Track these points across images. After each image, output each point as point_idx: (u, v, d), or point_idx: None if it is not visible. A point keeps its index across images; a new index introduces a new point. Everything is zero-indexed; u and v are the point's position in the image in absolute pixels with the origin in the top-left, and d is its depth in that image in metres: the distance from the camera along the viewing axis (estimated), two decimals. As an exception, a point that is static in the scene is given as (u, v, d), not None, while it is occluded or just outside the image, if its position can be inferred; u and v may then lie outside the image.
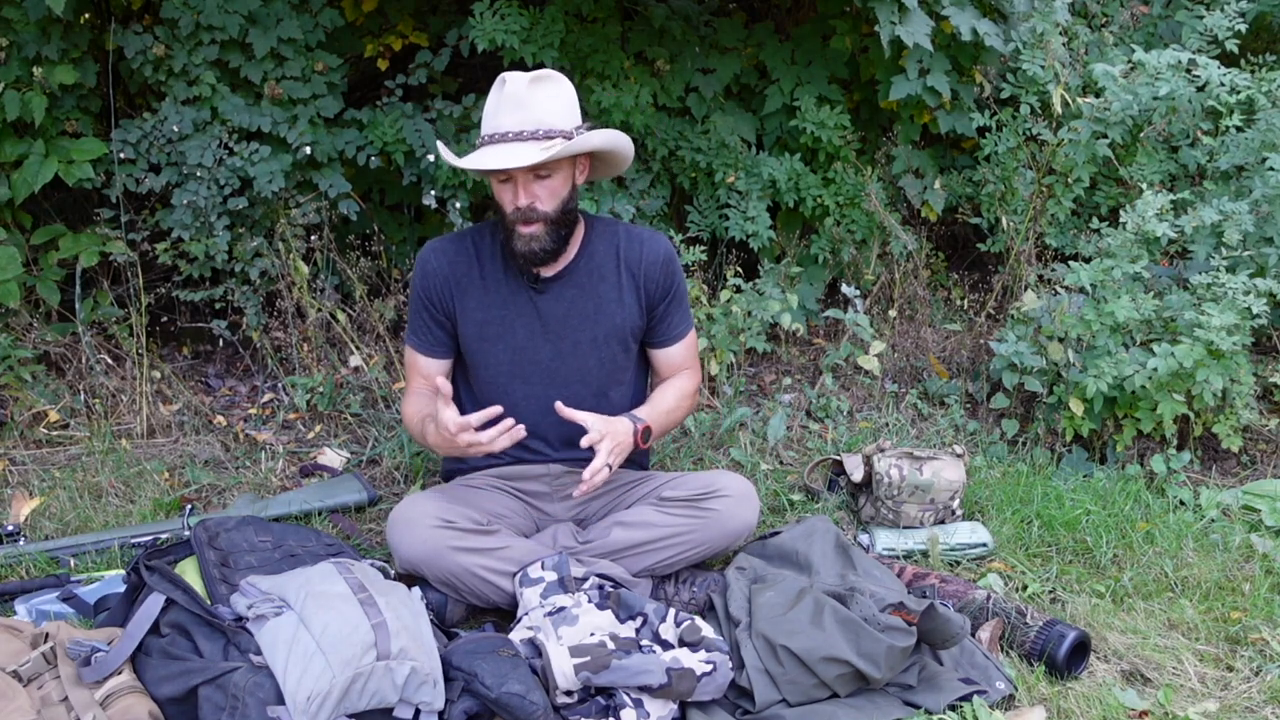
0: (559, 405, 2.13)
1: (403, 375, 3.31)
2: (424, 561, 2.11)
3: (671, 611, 1.98)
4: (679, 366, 2.42)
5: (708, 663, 1.85)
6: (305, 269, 3.29)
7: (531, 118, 2.10)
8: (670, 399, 2.35)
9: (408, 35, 3.70)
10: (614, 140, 2.21)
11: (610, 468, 2.11)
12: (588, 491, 2.10)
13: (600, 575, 2.10)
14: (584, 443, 2.11)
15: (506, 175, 2.13)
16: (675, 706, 1.86)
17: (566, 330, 2.28)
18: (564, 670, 1.80)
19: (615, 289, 2.30)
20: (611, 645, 1.86)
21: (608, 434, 2.12)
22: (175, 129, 3.23)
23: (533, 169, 2.11)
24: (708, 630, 1.93)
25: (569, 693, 1.81)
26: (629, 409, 2.32)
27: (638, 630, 1.97)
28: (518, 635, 1.95)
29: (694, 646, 1.90)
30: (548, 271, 2.28)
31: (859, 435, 3.14)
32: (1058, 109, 3.43)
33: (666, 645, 1.93)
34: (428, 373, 2.34)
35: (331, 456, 2.97)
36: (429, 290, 2.30)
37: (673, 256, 2.36)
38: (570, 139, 2.11)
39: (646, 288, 2.32)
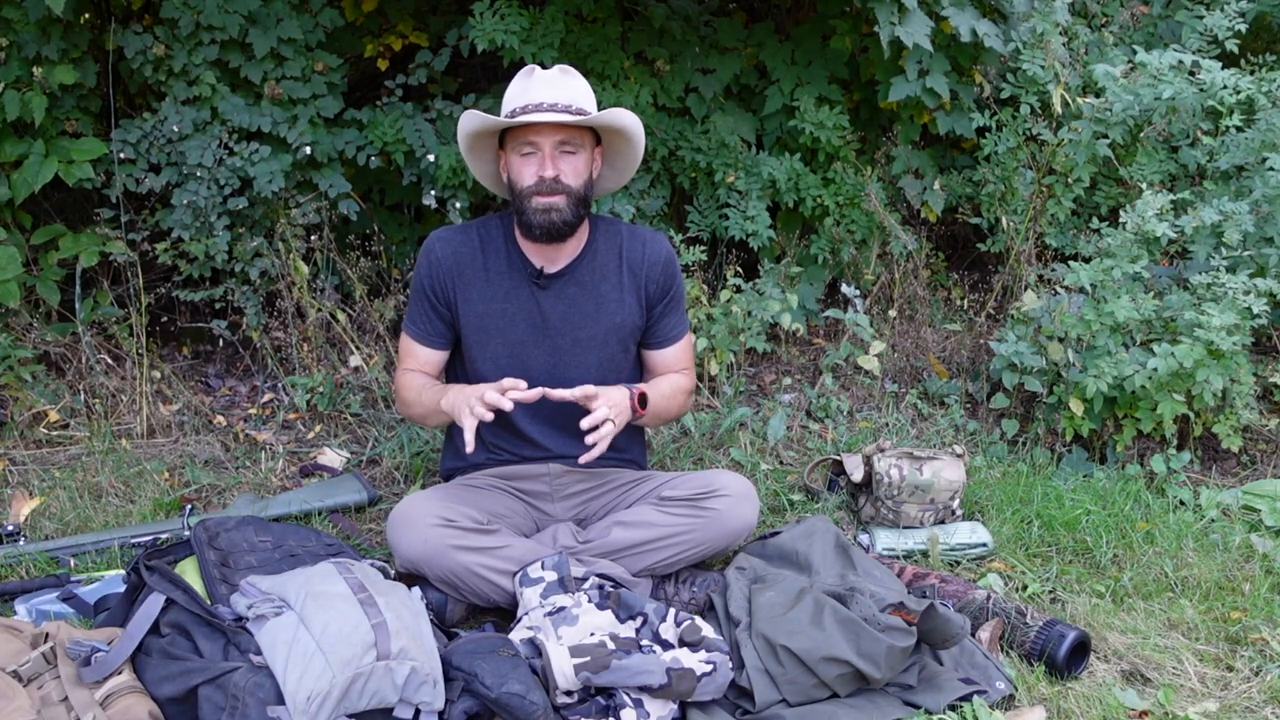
0: (546, 391, 2.13)
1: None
2: (424, 560, 2.11)
3: (671, 611, 1.98)
4: (674, 370, 2.42)
5: (708, 663, 1.85)
6: (305, 269, 3.29)
7: (564, 95, 2.16)
8: (665, 386, 2.36)
9: (408, 35, 3.70)
10: (635, 126, 2.24)
11: (613, 423, 2.11)
12: (595, 441, 2.09)
13: (600, 575, 2.10)
14: (585, 418, 2.10)
15: (532, 146, 2.17)
16: (675, 706, 1.86)
17: (567, 328, 2.29)
18: (564, 670, 1.80)
19: (617, 288, 2.31)
20: (611, 645, 1.86)
21: (600, 393, 2.13)
22: (175, 129, 3.23)
23: (562, 142, 2.16)
24: (708, 630, 1.93)
25: (569, 693, 1.81)
26: None
27: (638, 630, 1.97)
28: (518, 635, 1.95)
29: (694, 647, 1.90)
30: (551, 268, 2.28)
31: (859, 435, 3.14)
32: (1058, 109, 3.43)
33: (667, 645, 1.93)
34: (424, 361, 2.36)
35: (331, 456, 2.97)
36: (432, 279, 2.30)
37: (673, 258, 2.37)
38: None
39: (647, 288, 2.33)
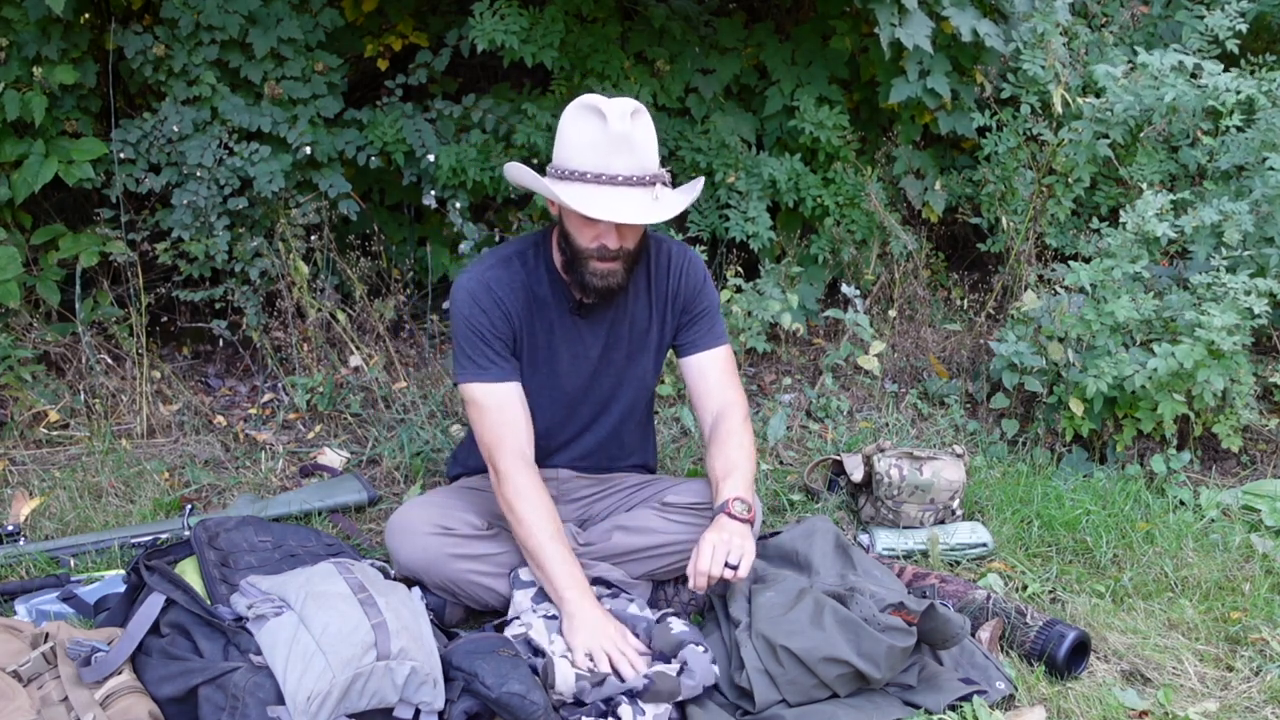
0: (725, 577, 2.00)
1: (403, 376, 3.32)
2: (423, 569, 2.10)
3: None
4: (713, 384, 2.30)
5: (678, 662, 1.89)
6: (305, 269, 3.29)
7: (639, 162, 1.99)
8: (738, 457, 2.17)
9: (408, 35, 3.70)
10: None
11: (735, 569, 2.01)
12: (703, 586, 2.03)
13: (597, 579, 2.11)
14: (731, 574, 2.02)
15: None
16: (671, 705, 1.86)
17: (605, 351, 2.25)
18: (566, 678, 1.82)
19: (645, 306, 2.27)
20: None
21: (744, 558, 2.02)
22: (175, 129, 3.23)
23: None
24: (681, 637, 1.95)
25: (564, 696, 1.83)
26: (647, 402, 2.36)
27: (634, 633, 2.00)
28: (511, 633, 1.97)
29: (668, 660, 1.92)
30: (590, 297, 2.19)
31: (859, 435, 3.14)
32: (1058, 109, 3.43)
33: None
34: (520, 404, 2.16)
35: (331, 456, 2.97)
36: (503, 318, 2.15)
37: (695, 267, 2.30)
38: (667, 184, 2.06)
39: (673, 301, 2.27)
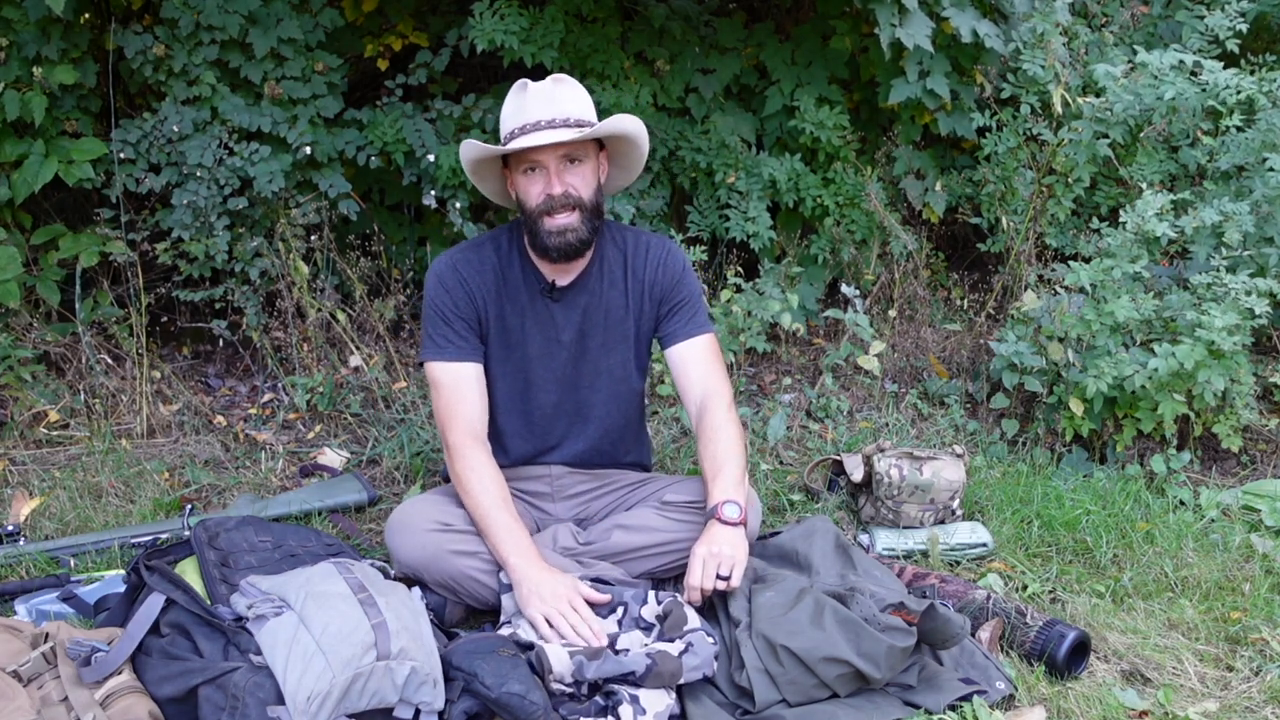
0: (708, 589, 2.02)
1: (403, 376, 3.32)
2: (423, 566, 2.10)
3: (652, 594, 2.02)
4: (694, 374, 2.29)
5: (682, 642, 1.89)
6: (305, 269, 3.29)
7: (560, 109, 2.10)
8: (725, 452, 2.17)
9: (408, 35, 3.71)
10: (639, 130, 2.19)
11: (727, 579, 2.01)
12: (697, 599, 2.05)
13: (596, 579, 2.11)
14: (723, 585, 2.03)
15: (536, 164, 2.12)
16: (674, 701, 1.86)
17: (579, 338, 2.27)
18: (559, 656, 1.81)
19: (623, 295, 2.29)
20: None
21: (735, 569, 2.03)
22: (175, 129, 3.23)
23: (566, 155, 2.11)
24: (692, 623, 1.95)
25: (563, 682, 1.82)
26: (636, 398, 2.36)
27: (619, 622, 2.00)
28: (503, 633, 1.97)
29: (671, 640, 1.92)
30: (563, 280, 2.24)
31: (859, 435, 3.14)
32: (1058, 109, 3.43)
33: (649, 628, 1.96)
34: (475, 383, 2.21)
35: (331, 456, 2.97)
36: (467, 299, 2.21)
37: (677, 259, 2.31)
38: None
39: (653, 292, 2.29)
